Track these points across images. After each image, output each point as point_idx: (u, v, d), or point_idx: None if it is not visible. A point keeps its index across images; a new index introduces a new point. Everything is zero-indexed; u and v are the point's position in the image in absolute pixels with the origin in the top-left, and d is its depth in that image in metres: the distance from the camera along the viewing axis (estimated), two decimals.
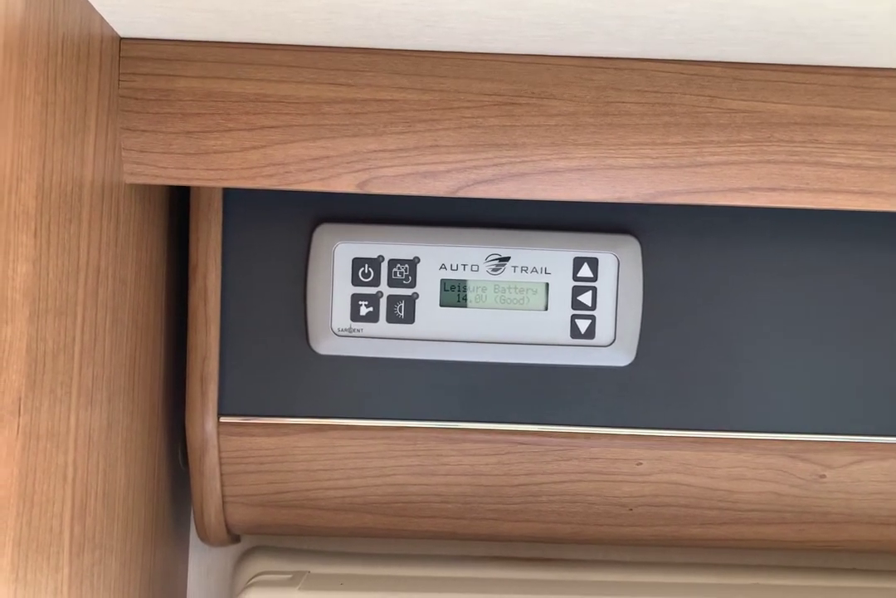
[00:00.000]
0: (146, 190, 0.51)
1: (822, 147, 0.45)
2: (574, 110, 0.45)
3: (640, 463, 0.55)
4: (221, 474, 0.55)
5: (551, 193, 0.46)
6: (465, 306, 0.54)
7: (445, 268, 0.54)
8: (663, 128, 0.45)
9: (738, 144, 0.45)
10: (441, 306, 0.54)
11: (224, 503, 0.56)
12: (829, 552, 0.59)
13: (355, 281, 0.54)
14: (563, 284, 0.54)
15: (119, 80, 0.46)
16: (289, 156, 0.46)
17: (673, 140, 0.46)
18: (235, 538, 0.61)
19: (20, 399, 0.36)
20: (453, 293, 0.54)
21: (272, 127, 0.46)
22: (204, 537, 0.58)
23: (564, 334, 0.54)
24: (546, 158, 0.46)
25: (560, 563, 0.59)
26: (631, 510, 0.56)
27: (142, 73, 0.46)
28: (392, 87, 0.45)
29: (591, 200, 0.47)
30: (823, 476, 0.55)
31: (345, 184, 0.46)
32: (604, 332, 0.54)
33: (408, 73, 0.45)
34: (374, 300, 0.54)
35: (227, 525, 0.57)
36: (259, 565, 0.59)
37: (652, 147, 0.46)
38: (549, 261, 0.54)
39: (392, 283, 0.54)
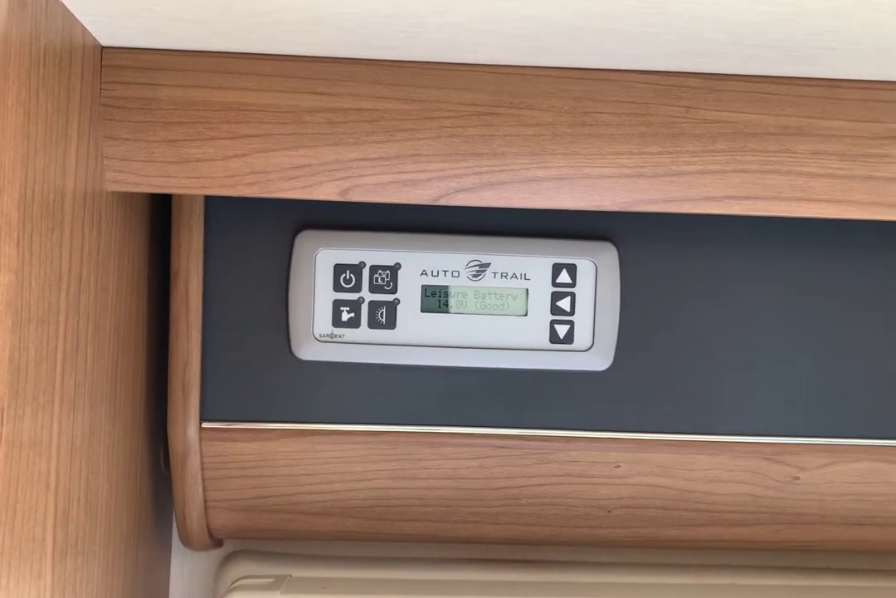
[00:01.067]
0: (128, 198, 0.51)
1: (795, 157, 0.46)
2: (552, 120, 0.46)
3: (619, 466, 0.56)
4: (203, 480, 0.55)
5: (530, 201, 0.47)
6: (446, 312, 0.54)
7: (426, 274, 0.54)
8: (640, 138, 0.46)
9: (713, 154, 0.46)
10: (422, 311, 0.54)
11: (206, 507, 0.56)
12: (803, 552, 0.60)
13: (337, 287, 0.54)
14: (542, 290, 0.54)
15: (101, 89, 0.46)
16: (270, 164, 0.46)
17: (649, 150, 0.46)
18: (218, 543, 0.61)
19: (3, 409, 0.37)
20: (434, 299, 0.54)
21: (253, 136, 0.46)
22: (186, 541, 0.58)
23: (544, 340, 0.55)
24: (525, 167, 0.47)
25: (540, 564, 0.60)
26: (609, 511, 0.57)
27: (124, 82, 0.46)
28: (373, 96, 0.46)
29: (569, 208, 0.47)
30: (797, 478, 0.56)
31: (326, 192, 0.47)
32: (582, 337, 0.55)
33: (388, 82, 0.46)
34: (355, 306, 0.54)
35: (209, 530, 0.57)
36: (241, 568, 0.59)
37: (628, 156, 0.46)
38: (528, 267, 0.54)
39: (373, 289, 0.54)
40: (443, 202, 0.47)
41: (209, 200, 0.54)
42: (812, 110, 0.46)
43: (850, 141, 0.46)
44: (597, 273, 0.54)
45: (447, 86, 0.46)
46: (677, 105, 0.46)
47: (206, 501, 0.56)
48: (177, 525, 0.57)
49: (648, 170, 0.46)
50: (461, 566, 0.59)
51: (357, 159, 0.46)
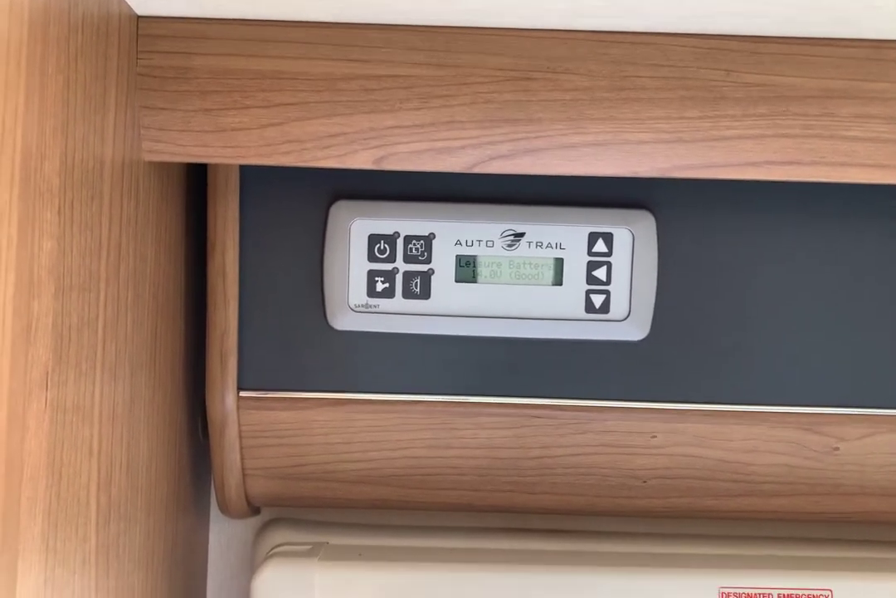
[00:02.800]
0: (164, 168, 0.51)
1: (838, 120, 0.45)
2: (589, 85, 0.45)
3: (655, 436, 0.56)
4: (241, 448, 0.56)
5: (567, 167, 0.47)
6: (480, 282, 0.54)
7: (461, 244, 0.54)
8: (679, 102, 0.45)
9: (754, 118, 0.45)
10: (456, 281, 0.54)
11: (244, 475, 0.57)
12: (842, 523, 0.60)
13: (371, 257, 0.54)
14: (577, 260, 0.54)
15: (137, 59, 0.46)
16: (306, 133, 0.46)
17: (689, 114, 0.46)
18: (256, 511, 0.62)
19: (48, 373, 0.37)
20: (468, 269, 0.54)
21: (289, 104, 0.46)
22: (224, 509, 0.59)
23: (579, 309, 0.54)
24: (562, 133, 0.46)
25: (575, 534, 0.60)
26: (645, 482, 0.57)
27: (159, 52, 0.46)
28: (407, 63, 0.45)
29: (606, 175, 0.47)
30: (837, 449, 0.56)
31: (361, 160, 0.46)
32: (618, 307, 0.54)
33: (423, 48, 0.46)
34: (390, 276, 0.54)
35: (247, 498, 0.58)
36: (279, 536, 0.60)
37: (667, 121, 0.46)
38: (563, 236, 0.54)
39: (408, 259, 0.54)
40: (478, 170, 0.46)
41: (244, 170, 0.54)
42: (856, 72, 0.45)
43: (895, 103, 0.45)
44: (634, 242, 0.54)
45: (482, 51, 0.46)
46: (717, 68, 0.45)
47: (244, 469, 0.57)
48: (215, 493, 0.58)
49: (688, 135, 0.46)
50: (496, 535, 0.60)
51: (392, 127, 0.46)
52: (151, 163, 0.48)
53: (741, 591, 0.52)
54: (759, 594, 0.52)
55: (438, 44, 0.46)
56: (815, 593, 0.52)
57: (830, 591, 0.52)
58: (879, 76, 0.45)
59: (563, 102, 0.46)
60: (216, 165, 0.54)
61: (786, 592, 0.52)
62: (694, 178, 0.47)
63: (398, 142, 0.46)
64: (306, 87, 0.46)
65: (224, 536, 0.66)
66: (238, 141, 0.47)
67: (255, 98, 0.46)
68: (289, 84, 0.46)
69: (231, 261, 0.54)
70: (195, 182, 0.57)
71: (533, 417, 0.55)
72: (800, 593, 0.52)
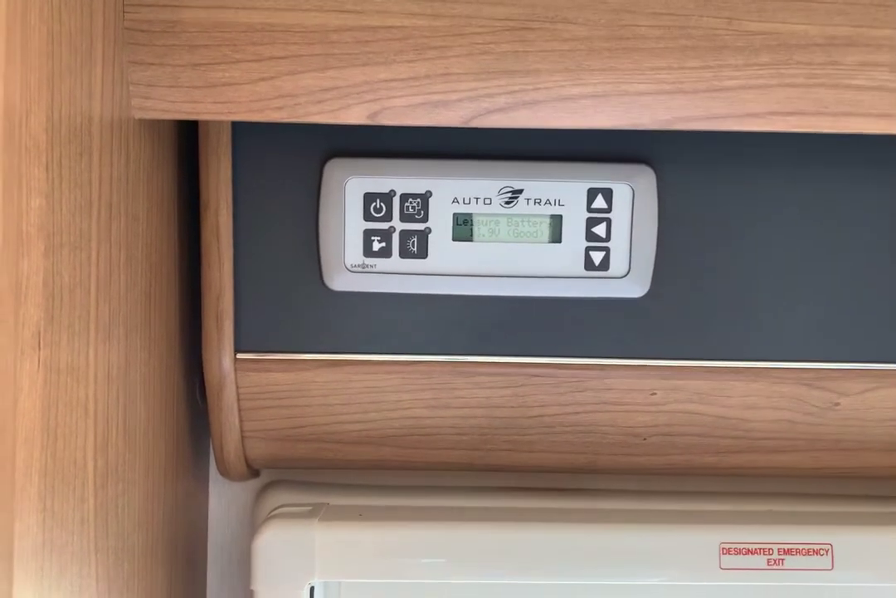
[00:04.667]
0: (155, 125, 0.50)
1: (842, 69, 0.44)
2: (588, 34, 0.44)
3: (654, 393, 0.55)
4: (240, 410, 0.56)
5: (566, 120, 0.46)
6: (478, 240, 0.53)
7: (458, 202, 0.53)
8: (680, 52, 0.44)
9: (756, 68, 0.44)
10: (454, 240, 0.53)
11: (243, 437, 0.57)
12: (842, 479, 0.60)
13: (367, 216, 0.53)
14: (577, 216, 0.53)
15: (124, 12, 0.45)
16: (298, 87, 0.45)
17: (690, 64, 0.44)
18: (255, 473, 0.62)
19: (39, 333, 0.37)
20: (466, 227, 0.53)
21: (280, 57, 0.45)
22: (224, 471, 0.59)
23: (578, 267, 0.54)
24: (560, 85, 0.45)
25: (576, 492, 0.60)
26: (645, 439, 0.57)
27: (147, 5, 0.45)
28: (401, 13, 0.44)
29: (606, 128, 0.46)
30: (838, 404, 0.56)
31: (355, 115, 0.45)
32: (618, 263, 0.54)
33: None
34: (386, 236, 0.53)
35: (246, 460, 0.58)
36: (279, 498, 0.60)
37: (668, 72, 0.44)
38: (562, 192, 0.53)
39: (404, 218, 0.53)
40: (475, 124, 0.45)
41: (237, 128, 0.53)
42: (862, 19, 0.44)
43: None
44: (634, 198, 0.53)
45: (478, 0, 0.44)
46: (719, 16, 0.44)
47: (242, 431, 0.56)
48: (214, 456, 0.58)
49: (689, 86, 0.45)
50: (496, 493, 0.60)
51: (386, 80, 0.45)
52: (142, 120, 0.47)
53: (742, 546, 0.52)
54: (760, 548, 0.52)
55: None
56: (815, 547, 0.52)
57: (831, 545, 0.52)
58: (886, 23, 0.44)
59: (560, 53, 0.45)
60: (207, 123, 0.53)
61: (786, 547, 0.52)
62: (695, 130, 0.46)
63: (393, 95, 0.45)
64: (298, 40, 0.45)
65: (224, 498, 0.66)
66: (228, 96, 0.45)
67: (245, 52, 0.45)
68: (280, 37, 0.45)
69: (225, 221, 0.53)
70: (187, 140, 0.56)
71: (532, 376, 0.55)
72: (800, 547, 0.52)
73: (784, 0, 0.44)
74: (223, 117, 0.46)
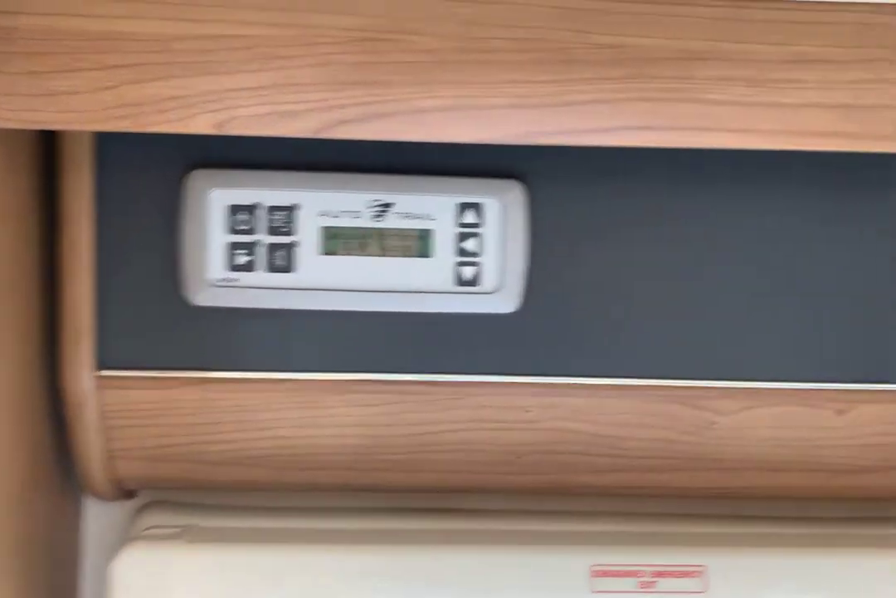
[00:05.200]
0: (8, 135, 0.48)
1: (697, 83, 0.44)
2: (438, 46, 0.43)
3: (529, 410, 0.54)
4: (106, 429, 0.54)
5: (419, 133, 0.45)
6: (347, 254, 0.52)
7: (326, 215, 0.52)
8: (531, 65, 0.43)
9: (607, 82, 0.43)
10: (322, 254, 0.52)
11: (112, 457, 0.55)
12: (723, 498, 0.59)
13: (231, 229, 0.52)
14: (446, 231, 0.52)
15: None
16: (141, 96, 0.44)
17: (541, 78, 0.44)
18: (129, 493, 0.60)
19: None
20: (335, 241, 0.52)
21: (122, 66, 0.43)
22: (92, 491, 0.57)
23: (449, 282, 0.52)
24: (412, 97, 0.44)
25: (455, 513, 0.58)
26: (520, 457, 0.55)
27: None
28: (245, 22, 0.43)
29: (460, 141, 0.45)
30: (715, 423, 0.55)
31: (202, 125, 0.44)
32: (489, 279, 0.53)
33: (262, 7, 0.43)
34: (251, 249, 0.52)
35: (117, 479, 0.56)
36: (151, 519, 0.58)
37: (520, 85, 0.44)
38: (432, 207, 0.52)
39: (271, 230, 0.52)
40: (325, 135, 0.44)
41: (100, 138, 0.52)
42: (716, 33, 0.44)
43: (757, 65, 0.43)
44: (504, 212, 0.52)
45: (326, 10, 0.43)
46: (570, 29, 0.43)
47: (111, 450, 0.54)
48: (79, 475, 0.56)
49: (540, 100, 0.44)
50: (374, 514, 0.58)
51: (232, 90, 0.43)
52: None
53: (613, 568, 0.51)
54: (632, 571, 0.51)
55: (279, 2, 0.43)
56: (688, 569, 0.51)
57: (705, 567, 0.52)
58: (740, 37, 0.44)
59: (411, 65, 0.44)
60: (64, 132, 0.51)
61: (659, 569, 0.51)
62: (557, 145, 0.45)
63: (239, 105, 0.44)
64: (140, 49, 0.43)
65: (103, 519, 0.64)
66: (70, 105, 0.44)
67: (86, 60, 0.43)
68: (121, 45, 0.43)
69: (85, 233, 0.51)
70: (45, 149, 0.54)
71: (404, 393, 0.54)
72: (673, 569, 0.51)
73: (635, 14, 0.43)
74: (66, 126, 0.44)
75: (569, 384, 0.54)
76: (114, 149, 0.51)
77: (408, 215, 0.52)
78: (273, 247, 0.52)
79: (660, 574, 0.51)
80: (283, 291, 0.52)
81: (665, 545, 0.52)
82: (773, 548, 0.52)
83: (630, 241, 0.53)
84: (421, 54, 0.43)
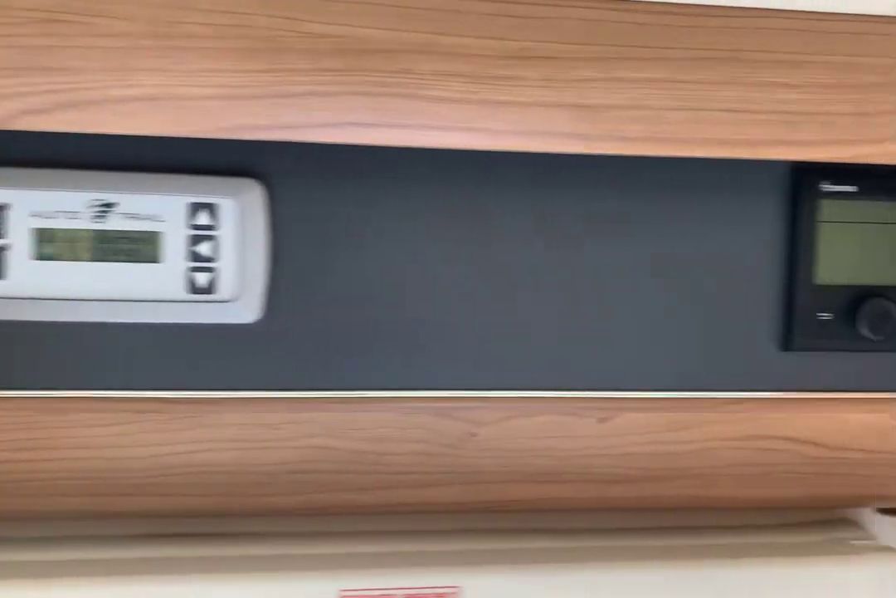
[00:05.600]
0: None
1: (417, 78, 0.41)
2: (129, 30, 0.39)
3: (278, 428, 0.51)
4: None
5: (119, 126, 0.40)
6: (64, 259, 0.47)
7: (39, 215, 0.47)
8: (238, 53, 0.40)
9: (324, 73, 0.40)
10: (35, 258, 0.47)
11: None
12: (494, 512, 0.57)
13: None
14: (178, 234, 0.48)
15: None
16: None
17: (250, 67, 0.40)
18: None
19: None
20: (50, 245, 0.47)
21: None
22: None
23: (181, 289, 0.48)
24: (107, 86, 0.40)
25: (210, 538, 0.54)
26: (274, 478, 0.52)
27: None
28: None
29: (165, 134, 0.41)
30: (475, 434, 0.52)
31: None
32: (226, 286, 0.49)
33: None
34: None
35: None
36: None
37: (225, 75, 0.40)
38: (161, 207, 0.48)
39: None
40: (8, 126, 0.40)
41: None
42: (435, 25, 0.41)
43: (477, 61, 0.41)
44: (241, 214, 0.48)
45: None
46: (280, 16, 0.40)
47: None
48: None
49: (251, 90, 0.40)
50: (118, 542, 0.53)
51: None
52: None
53: (363, 593, 0.48)
54: (383, 595, 0.48)
55: None
56: (441, 591, 0.49)
57: (458, 588, 0.49)
58: (460, 30, 0.41)
59: (102, 50, 0.39)
60: None
61: (411, 592, 0.49)
62: (276, 140, 0.42)
63: None
64: None
65: None
66: None
67: None
68: None
69: None
70: None
71: (138, 412, 0.49)
72: (426, 592, 0.49)
73: (349, 2, 0.40)
74: None
75: (319, 398, 0.50)
76: None
77: (133, 217, 0.47)
78: None
79: (412, 597, 0.48)
80: None
81: (417, 566, 0.49)
82: (529, 565, 0.50)
83: (382, 245, 0.50)
84: (111, 39, 0.39)
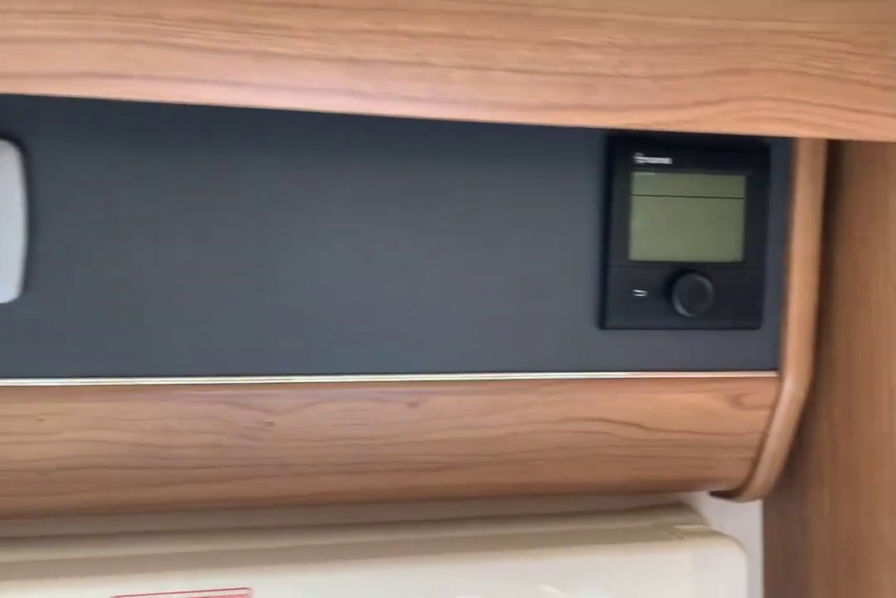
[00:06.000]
0: None
1: (166, 24, 0.37)
2: None
3: (43, 419, 0.45)
4: None
5: None
6: None
7: None
8: None
9: (53, 16, 0.36)
10: None
11: None
12: (301, 507, 0.53)
13: None
14: None
15: None
16: None
17: None
18: None
19: None
20: None
21: None
22: None
23: None
24: None
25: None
26: (45, 475, 0.47)
27: None
28: None
29: None
30: (271, 423, 0.48)
31: None
32: None
33: None
34: None
35: None
36: None
37: None
38: None
39: None
40: None
41: None
42: None
43: (237, 7, 0.37)
44: None
45: None
46: None
47: None
48: None
49: None
50: None
51: None
52: None
53: None
54: None
55: None
56: (230, 594, 0.45)
57: (249, 589, 0.45)
58: None
59: None
60: None
61: (196, 595, 0.45)
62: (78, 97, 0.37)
63: None
64: None
65: None
66: None
67: None
68: None
69: None
70: None
71: None
72: (214, 594, 0.45)
73: None
74: None
75: (89, 387, 0.45)
76: None
77: None
78: None
79: None
80: None
81: (203, 568, 0.45)
82: (326, 563, 0.47)
83: (155, 218, 0.45)
84: None
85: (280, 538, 0.49)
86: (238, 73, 0.37)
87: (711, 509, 0.65)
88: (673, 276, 0.51)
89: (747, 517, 0.65)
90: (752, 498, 0.59)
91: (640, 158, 0.50)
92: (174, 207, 0.45)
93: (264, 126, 0.46)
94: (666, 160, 0.51)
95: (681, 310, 0.51)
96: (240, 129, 0.46)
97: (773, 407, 0.55)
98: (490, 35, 0.40)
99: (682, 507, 0.62)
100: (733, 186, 0.52)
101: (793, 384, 0.54)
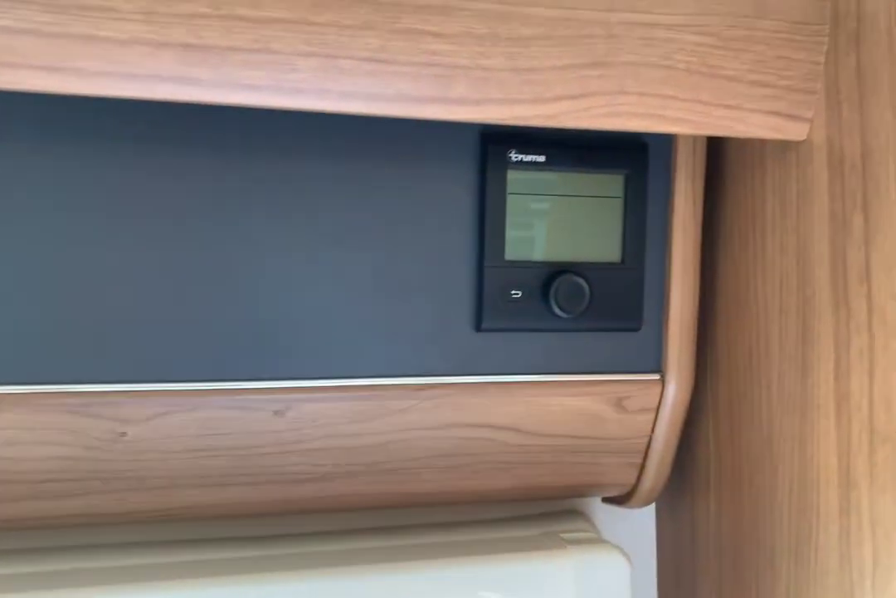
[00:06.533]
0: None
1: None
2: None
3: None
4: None
5: None
6: None
7: None
8: None
9: None
10: None
11: None
12: (163, 522, 0.51)
13: None
14: None
15: None
16: None
17: None
18: None
19: None
20: None
21: None
22: None
23: None
24: None
25: None
26: None
27: None
28: None
29: None
30: (124, 434, 0.46)
31: None
32: None
33: None
34: None
35: None
36: None
37: None
38: None
39: None
40: None
41: None
42: None
43: None
44: None
45: None
46: None
47: None
48: None
49: None
50: None
51: None
52: None
53: None
54: None
55: None
56: None
57: None
58: None
59: None
60: None
61: None
62: None
63: None
64: None
65: None
66: None
67: None
68: None
69: None
70: None
71: None
72: None
73: None
74: None
75: None
76: None
77: None
78: None
79: None
80: None
81: (52, 588, 0.42)
82: (202, 579, 0.44)
83: (18, 209, 0.42)
84: None
85: (153, 554, 0.46)
86: (61, 59, 0.35)
87: (605, 516, 0.64)
88: (549, 276, 0.50)
89: (641, 523, 0.64)
90: (642, 504, 0.58)
91: (514, 156, 0.49)
92: (40, 197, 0.42)
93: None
94: (540, 158, 0.49)
95: (557, 311, 0.50)
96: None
97: (657, 410, 0.54)
98: (336, 21, 0.38)
99: (573, 514, 0.61)
100: (611, 184, 0.51)
101: (675, 387, 0.53)
